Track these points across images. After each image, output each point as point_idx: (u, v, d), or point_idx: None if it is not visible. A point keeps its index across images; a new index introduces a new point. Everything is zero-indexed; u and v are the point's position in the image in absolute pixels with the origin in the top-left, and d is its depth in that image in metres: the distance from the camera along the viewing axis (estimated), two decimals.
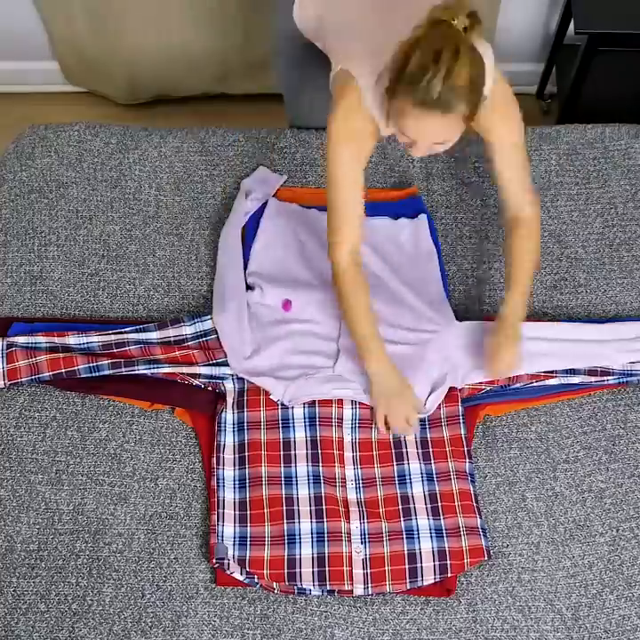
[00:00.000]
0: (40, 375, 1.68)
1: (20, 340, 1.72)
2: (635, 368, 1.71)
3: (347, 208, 1.56)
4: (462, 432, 1.65)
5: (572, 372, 1.69)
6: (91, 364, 1.68)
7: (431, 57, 1.25)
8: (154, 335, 1.74)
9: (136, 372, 1.68)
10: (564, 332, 1.75)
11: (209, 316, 1.75)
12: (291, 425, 1.65)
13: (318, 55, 1.79)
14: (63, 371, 1.68)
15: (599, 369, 1.70)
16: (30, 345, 1.72)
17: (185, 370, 1.69)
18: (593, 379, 1.69)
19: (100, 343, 1.72)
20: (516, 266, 1.64)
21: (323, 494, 1.57)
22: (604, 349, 1.72)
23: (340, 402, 1.67)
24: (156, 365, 1.68)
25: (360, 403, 1.67)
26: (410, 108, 1.32)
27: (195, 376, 1.70)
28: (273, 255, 1.88)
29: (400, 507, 1.58)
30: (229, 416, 1.66)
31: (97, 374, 1.68)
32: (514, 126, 1.58)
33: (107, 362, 1.68)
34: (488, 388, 1.68)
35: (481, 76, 1.31)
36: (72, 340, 1.72)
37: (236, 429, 1.65)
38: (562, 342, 1.73)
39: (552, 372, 1.69)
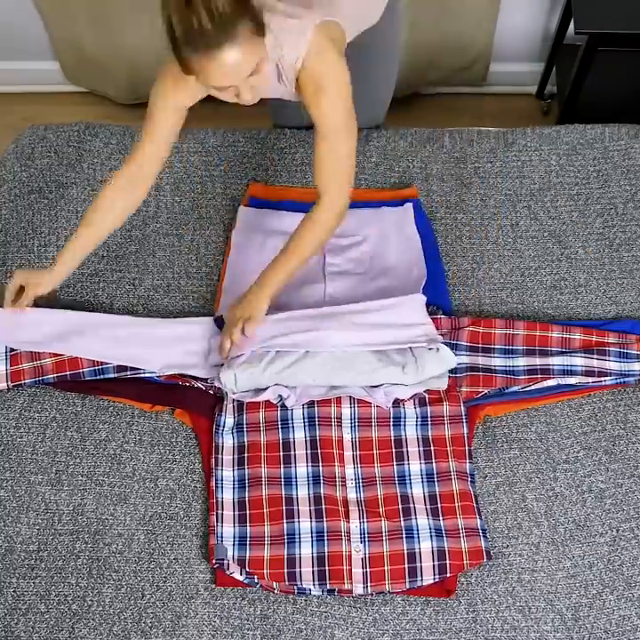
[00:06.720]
0: (44, 377, 1.69)
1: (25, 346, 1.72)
2: (632, 368, 1.71)
3: (149, 128, 1.59)
4: (464, 431, 1.65)
5: (569, 372, 1.69)
6: (96, 368, 1.69)
7: (182, 4, 1.21)
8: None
9: (141, 375, 1.69)
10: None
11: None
12: (290, 426, 1.65)
13: None
14: (68, 373, 1.68)
15: (596, 369, 1.70)
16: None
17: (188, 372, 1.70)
18: (590, 379, 1.69)
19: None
20: (288, 252, 1.59)
21: (322, 494, 1.57)
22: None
23: (339, 400, 1.66)
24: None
25: (359, 400, 1.67)
26: (202, 63, 1.27)
27: (196, 379, 1.70)
28: (244, 269, 1.87)
29: (400, 506, 1.58)
30: (229, 419, 1.66)
31: (102, 377, 1.69)
32: (325, 105, 1.47)
33: (112, 365, 1.69)
34: (485, 391, 1.68)
35: None
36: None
37: (235, 431, 1.65)
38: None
39: (549, 373, 1.69)
